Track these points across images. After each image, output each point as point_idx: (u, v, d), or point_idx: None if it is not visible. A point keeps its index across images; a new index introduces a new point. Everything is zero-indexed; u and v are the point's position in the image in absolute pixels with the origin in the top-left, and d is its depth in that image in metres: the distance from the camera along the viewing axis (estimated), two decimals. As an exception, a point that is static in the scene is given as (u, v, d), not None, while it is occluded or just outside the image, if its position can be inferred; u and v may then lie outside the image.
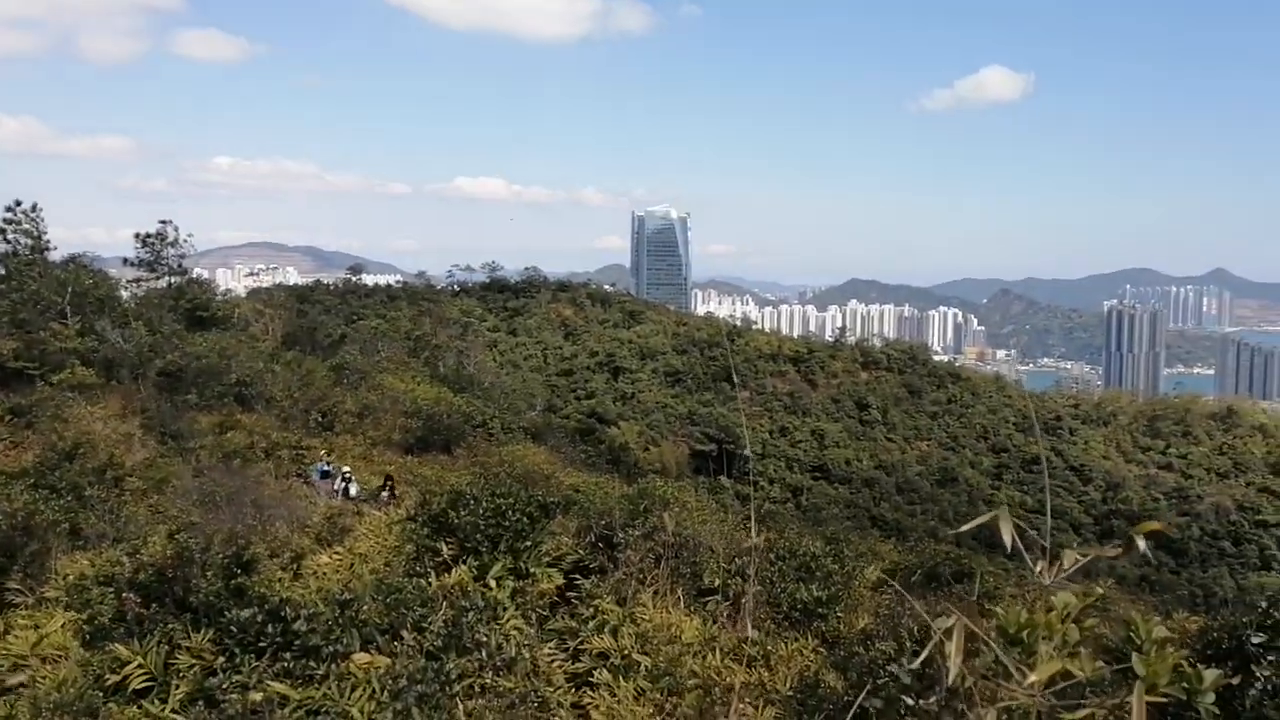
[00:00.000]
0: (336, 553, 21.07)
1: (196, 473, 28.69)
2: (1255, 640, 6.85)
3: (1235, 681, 5.90)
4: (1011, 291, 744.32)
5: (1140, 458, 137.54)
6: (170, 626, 13.74)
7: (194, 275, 68.12)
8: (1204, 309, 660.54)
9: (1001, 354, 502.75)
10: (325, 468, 29.92)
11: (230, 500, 22.58)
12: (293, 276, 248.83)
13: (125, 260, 63.05)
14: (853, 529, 53.64)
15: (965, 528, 2.62)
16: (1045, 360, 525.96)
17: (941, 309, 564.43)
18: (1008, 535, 2.39)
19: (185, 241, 63.50)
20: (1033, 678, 2.04)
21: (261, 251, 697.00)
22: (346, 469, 31.31)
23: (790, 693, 14.11)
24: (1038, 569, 2.28)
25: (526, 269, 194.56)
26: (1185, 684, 3.12)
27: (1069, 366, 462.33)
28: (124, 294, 57.41)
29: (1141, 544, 2.60)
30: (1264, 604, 7.48)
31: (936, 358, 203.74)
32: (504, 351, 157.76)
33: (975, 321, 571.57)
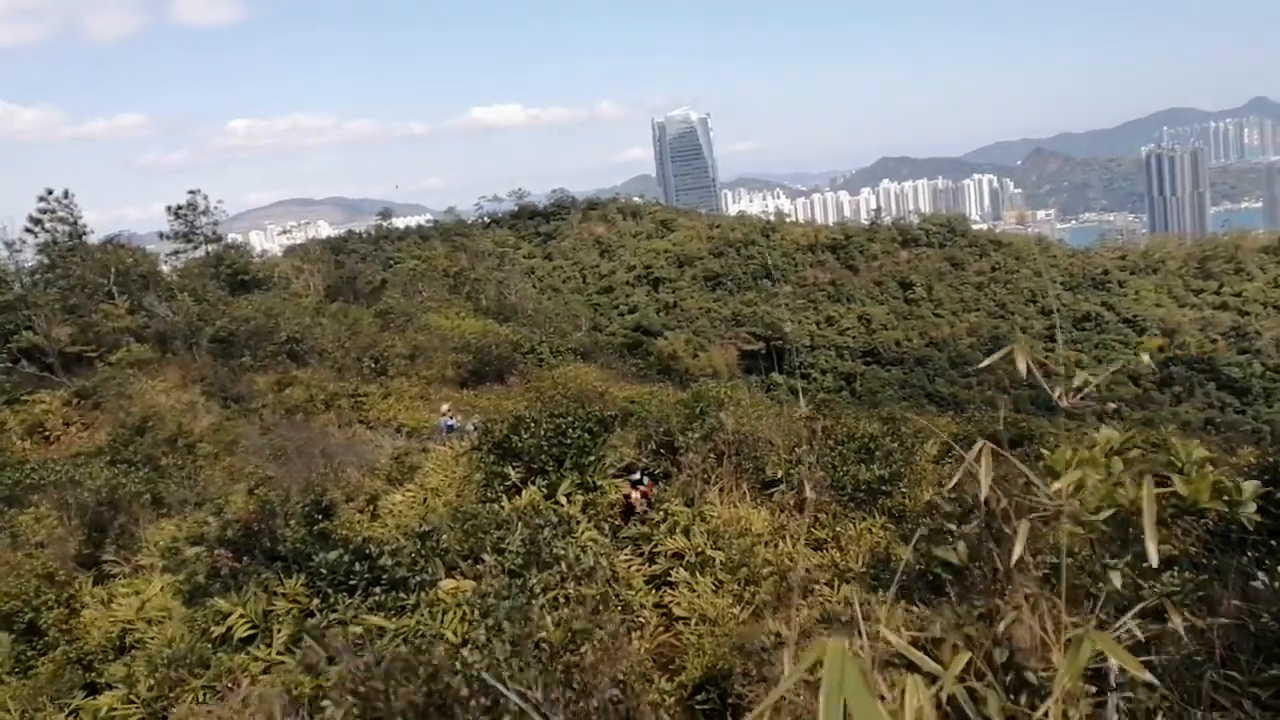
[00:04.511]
0: (408, 490, 21.73)
1: (264, 430, 29.45)
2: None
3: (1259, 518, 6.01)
4: (1045, 150, 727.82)
5: (1194, 301, 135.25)
6: (264, 576, 14.37)
7: (229, 241, 68.81)
8: (1246, 141, 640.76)
9: (1041, 214, 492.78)
10: (451, 422, 28.94)
11: (300, 452, 23.27)
12: (324, 229, 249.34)
13: (161, 235, 63.81)
14: (909, 408, 53.70)
15: (984, 363, 2.82)
16: (1087, 215, 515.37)
17: (975, 177, 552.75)
18: (1023, 365, 2.59)
19: (217, 209, 64.03)
20: (1056, 485, 2.27)
21: (290, 209, 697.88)
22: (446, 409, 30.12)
23: (863, 569, 14.51)
24: (1056, 394, 2.47)
25: (554, 192, 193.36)
26: (1226, 498, 3.33)
27: (1112, 218, 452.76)
28: (164, 268, 58.26)
29: (1145, 358, 2.77)
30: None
31: (975, 227, 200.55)
32: (542, 277, 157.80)
33: (1011, 185, 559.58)
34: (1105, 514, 2.34)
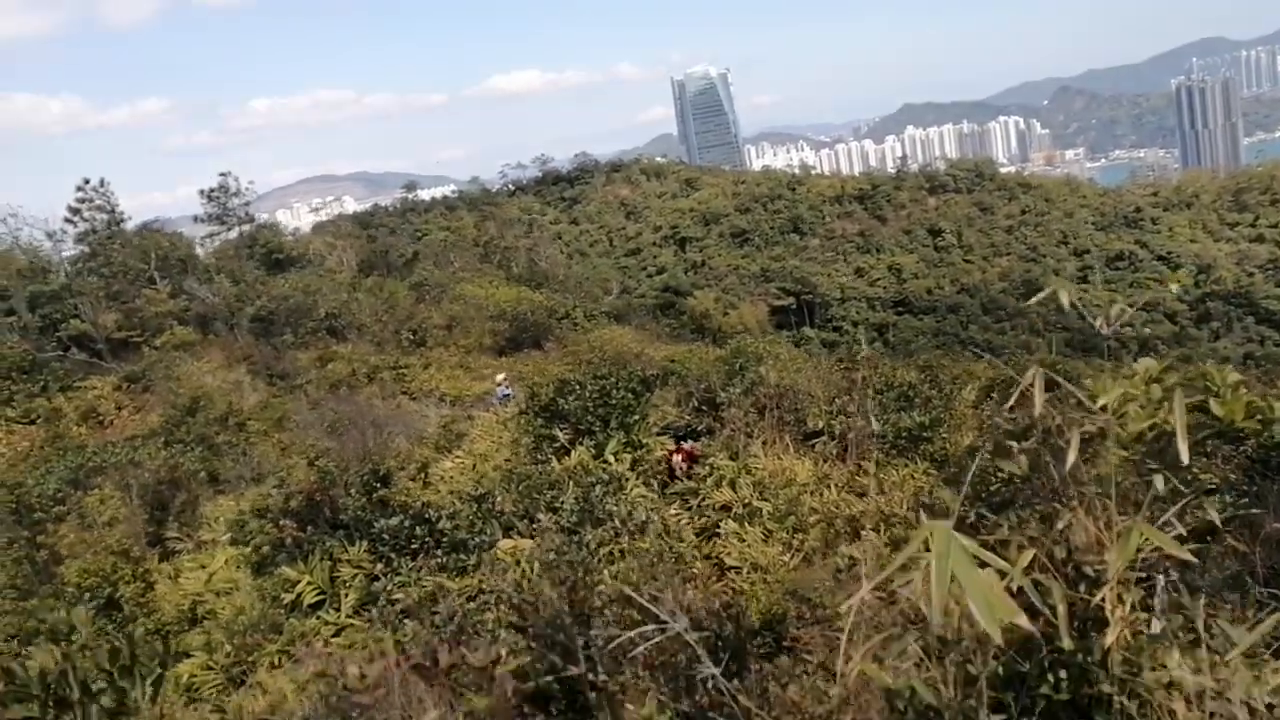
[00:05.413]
0: (458, 456, 22.23)
1: (313, 405, 30.10)
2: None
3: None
4: (1072, 88, 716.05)
5: (1229, 234, 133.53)
6: (328, 545, 14.90)
7: (262, 221, 69.59)
8: (1279, 68, 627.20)
9: (1070, 154, 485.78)
10: (507, 391, 28.05)
11: (351, 424, 23.86)
12: (349, 205, 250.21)
13: (195, 218, 64.57)
14: (944, 356, 53.65)
15: (1031, 301, 3.11)
16: (1117, 152, 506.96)
17: (1001, 119, 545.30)
18: (1066, 300, 2.90)
19: (247, 189, 64.67)
20: (1102, 400, 2.59)
21: (314, 186, 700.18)
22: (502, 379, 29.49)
23: (908, 513, 14.85)
24: (1098, 322, 2.78)
25: (576, 156, 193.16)
26: (1260, 417, 3.63)
27: (1142, 155, 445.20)
28: (199, 251, 59.09)
29: (1175, 287, 3.03)
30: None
31: (1003, 170, 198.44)
32: (569, 242, 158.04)
33: (1038, 126, 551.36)
34: (1145, 427, 2.67)
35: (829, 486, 15.97)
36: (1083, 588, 2.37)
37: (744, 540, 14.40)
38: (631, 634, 2.80)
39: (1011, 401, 2.59)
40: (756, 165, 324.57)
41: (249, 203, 66.50)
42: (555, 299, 56.79)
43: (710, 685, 2.67)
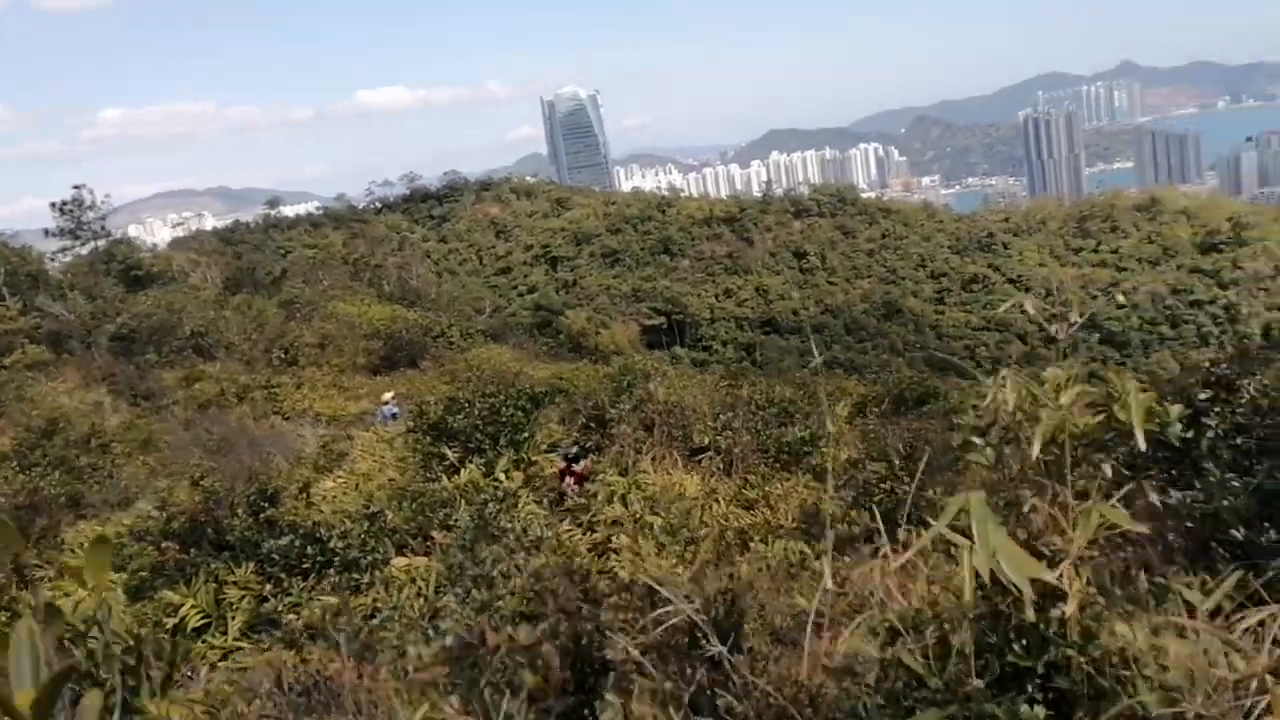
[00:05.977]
0: (339, 476, 21.90)
1: (185, 425, 29.14)
2: (1202, 396, 7.88)
3: (1190, 436, 6.96)
4: (928, 117, 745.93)
5: (1074, 259, 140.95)
6: (213, 567, 14.52)
7: (119, 236, 66.93)
8: (1116, 103, 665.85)
9: (926, 181, 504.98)
10: (394, 410, 27.37)
11: (227, 444, 23.24)
12: (208, 221, 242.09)
13: (47, 232, 61.78)
14: (811, 374, 55.10)
15: (1002, 309, 3.43)
16: (970, 180, 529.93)
17: (862, 146, 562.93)
18: (1032, 308, 3.23)
19: (103, 203, 62.22)
20: (1064, 400, 2.92)
21: (170, 200, 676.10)
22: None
23: (794, 524, 15.34)
24: (1054, 329, 3.11)
25: (446, 173, 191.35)
26: (1158, 420, 4.04)
27: (993, 182, 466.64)
28: (52, 266, 56.49)
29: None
30: (1206, 364, 8.60)
31: (864, 195, 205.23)
32: (438, 260, 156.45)
33: (896, 153, 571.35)
34: (1097, 420, 3.01)
35: (718, 500, 16.40)
36: (1043, 564, 2.67)
37: (638, 554, 14.64)
38: (655, 614, 2.99)
39: (989, 400, 2.88)
40: (626, 186, 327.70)
41: (105, 216, 63.96)
42: (429, 317, 56.27)
43: (716, 663, 2.89)
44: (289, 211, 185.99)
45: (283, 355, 41.89)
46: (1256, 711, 2.25)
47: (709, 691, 2.86)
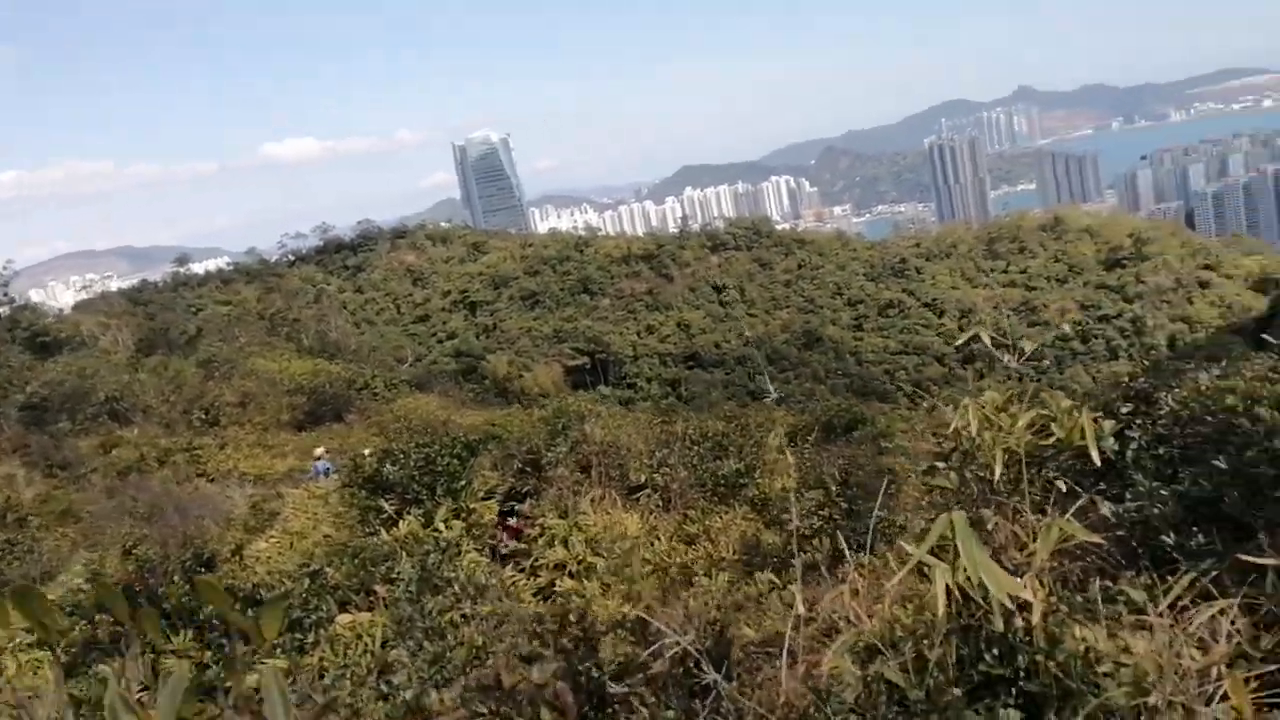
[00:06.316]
0: (272, 536, 21.57)
1: (109, 493, 28.38)
2: (1124, 409, 8.26)
3: (1117, 449, 7.30)
4: (836, 148, 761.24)
5: (985, 281, 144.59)
6: (148, 638, 14.19)
7: (22, 302, 65.14)
8: (1016, 128, 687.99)
9: (838, 210, 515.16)
10: (327, 465, 26.96)
11: (154, 511, 22.73)
12: (114, 282, 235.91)
13: (-55, 301, 59.99)
14: (737, 406, 55.68)
15: (958, 342, 3.65)
16: (880, 207, 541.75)
17: (773, 179, 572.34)
18: (988, 339, 3.46)
19: (5, 269, 60.57)
20: (1021, 423, 3.14)
21: (72, 262, 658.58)
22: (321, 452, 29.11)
23: (736, 557, 15.52)
24: (1005, 359, 3.34)
25: (359, 223, 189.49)
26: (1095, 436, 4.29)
27: (903, 209, 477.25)
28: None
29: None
30: (1125, 379, 9.03)
31: (778, 227, 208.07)
32: (354, 310, 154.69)
33: (807, 184, 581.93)
34: (1048, 440, 3.24)
35: (659, 537, 16.52)
36: (1017, 580, 2.87)
37: (583, 596, 14.67)
38: (653, 648, 3.12)
39: (953, 427, 3.08)
40: (542, 228, 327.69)
41: (6, 283, 62.27)
42: (353, 369, 55.64)
43: (712, 692, 3.02)
44: (198, 268, 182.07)
45: (203, 416, 41.03)
46: (1217, 696, 2.47)
47: (705, 716, 3.00)
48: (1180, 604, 2.97)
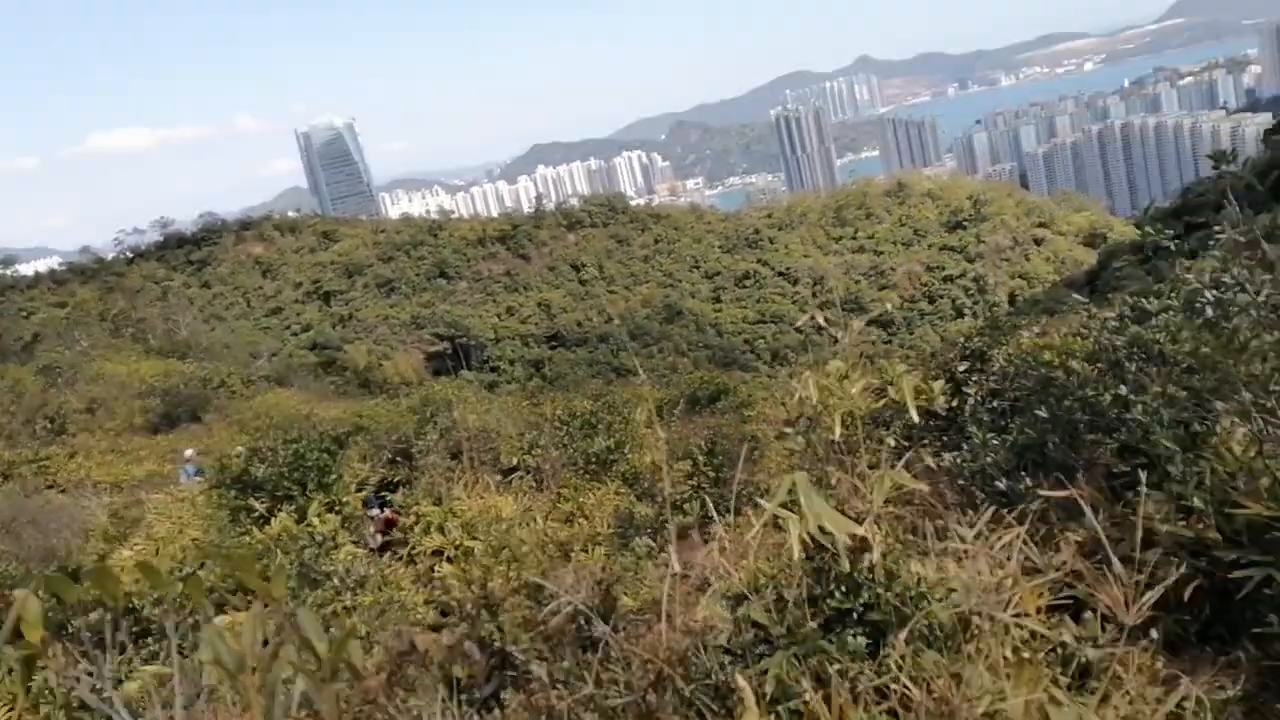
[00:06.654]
0: (136, 544, 21.02)
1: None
2: (962, 368, 9.00)
3: (954, 405, 8.00)
4: (686, 122, 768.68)
5: (835, 248, 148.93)
6: (12, 656, 13.82)
7: None
8: (857, 97, 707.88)
9: (691, 184, 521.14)
10: (197, 467, 25.55)
11: (6, 526, 21.83)
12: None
13: None
14: (603, 383, 56.26)
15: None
16: (732, 179, 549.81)
17: (625, 154, 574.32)
18: (822, 320, 3.93)
19: None
20: (854, 390, 3.62)
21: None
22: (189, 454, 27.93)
23: (611, 530, 16.00)
24: (839, 335, 3.81)
25: (201, 215, 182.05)
26: (925, 397, 4.83)
27: (754, 180, 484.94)
28: None
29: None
30: (962, 339, 9.81)
31: (633, 202, 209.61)
32: (202, 306, 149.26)
33: (660, 159, 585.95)
34: (879, 405, 3.73)
35: (535, 517, 16.86)
36: (855, 523, 3.36)
37: (463, 579, 14.93)
38: (551, 606, 3.49)
39: (797, 397, 3.54)
40: (394, 213, 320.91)
41: None
42: (207, 368, 54.03)
43: (602, 644, 3.41)
44: (26, 270, 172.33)
45: (48, 425, 39.32)
46: (1012, 601, 3.00)
47: (606, 665, 3.39)
48: (1001, 539, 3.50)
